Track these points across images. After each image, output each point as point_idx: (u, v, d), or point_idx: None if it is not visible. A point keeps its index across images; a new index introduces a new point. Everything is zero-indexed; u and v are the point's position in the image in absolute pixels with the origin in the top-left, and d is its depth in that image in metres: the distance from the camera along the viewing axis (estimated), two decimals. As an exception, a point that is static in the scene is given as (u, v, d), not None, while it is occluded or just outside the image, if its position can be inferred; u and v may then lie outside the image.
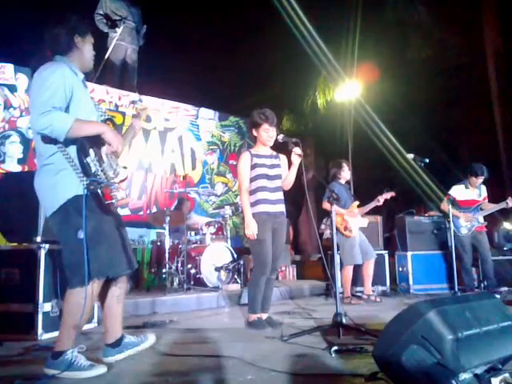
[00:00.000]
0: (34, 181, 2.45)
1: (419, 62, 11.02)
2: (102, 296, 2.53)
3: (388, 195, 5.50)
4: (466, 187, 5.96)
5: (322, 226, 7.96)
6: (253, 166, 3.73)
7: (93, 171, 2.33)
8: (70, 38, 2.50)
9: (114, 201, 2.43)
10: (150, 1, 9.45)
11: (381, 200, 5.48)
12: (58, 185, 2.36)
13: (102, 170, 2.37)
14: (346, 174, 5.66)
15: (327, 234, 7.52)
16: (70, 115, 2.33)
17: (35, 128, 2.31)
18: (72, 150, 2.36)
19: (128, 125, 2.89)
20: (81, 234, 2.30)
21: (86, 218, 2.31)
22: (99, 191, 2.37)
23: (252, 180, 3.72)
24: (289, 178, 3.79)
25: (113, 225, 2.49)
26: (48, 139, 2.35)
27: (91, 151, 2.35)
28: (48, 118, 2.23)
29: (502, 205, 5.76)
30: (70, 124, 2.26)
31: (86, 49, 2.57)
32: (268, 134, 3.73)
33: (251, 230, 3.59)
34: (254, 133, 3.81)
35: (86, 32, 2.57)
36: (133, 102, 3.06)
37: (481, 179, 5.87)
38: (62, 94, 2.32)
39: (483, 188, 6.02)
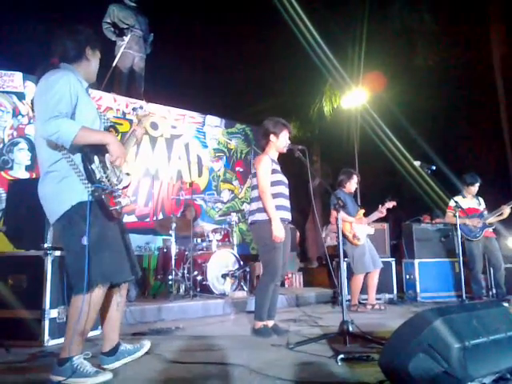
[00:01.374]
0: (38, 188, 2.45)
1: (426, 70, 11.02)
2: (102, 303, 2.54)
3: (390, 204, 5.49)
4: (464, 197, 6.05)
5: (323, 235, 7.93)
6: (272, 171, 3.74)
7: (97, 178, 2.34)
8: (82, 49, 2.54)
9: (117, 207, 2.44)
10: (157, 9, 9.54)
11: (384, 211, 5.47)
12: (63, 191, 2.37)
13: (106, 177, 2.39)
14: (352, 185, 5.62)
15: (328, 241, 7.49)
16: (77, 122, 2.35)
17: (43, 134, 2.32)
18: (77, 156, 2.38)
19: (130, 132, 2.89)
20: (84, 240, 2.31)
21: (91, 224, 2.31)
22: (104, 197, 2.38)
23: (272, 185, 3.71)
24: None
25: (117, 231, 2.50)
26: (53, 145, 2.36)
27: (96, 158, 2.37)
28: (55, 123, 2.25)
29: (498, 212, 5.83)
30: (76, 131, 2.27)
31: (93, 62, 2.61)
32: (287, 140, 3.80)
33: (280, 233, 3.55)
34: (273, 139, 3.80)
35: (96, 46, 2.62)
36: (134, 110, 3.08)
37: (477, 186, 6.01)
38: (67, 100, 2.34)
39: (481, 200, 6.12)
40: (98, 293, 2.37)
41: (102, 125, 2.58)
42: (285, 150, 3.82)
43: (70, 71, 2.46)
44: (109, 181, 2.40)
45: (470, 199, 6.03)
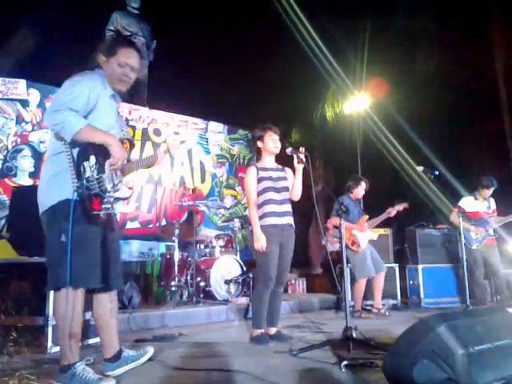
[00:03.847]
0: (41, 170, 2.53)
1: (428, 75, 11.02)
2: (95, 310, 2.54)
3: (400, 207, 5.47)
4: (476, 199, 5.91)
5: (323, 242, 7.91)
6: (259, 180, 3.75)
7: (86, 176, 2.35)
8: (96, 57, 2.60)
9: (102, 212, 2.39)
10: (159, 16, 9.59)
11: (392, 212, 5.45)
12: (54, 185, 2.40)
13: (97, 179, 2.38)
14: (359, 191, 5.61)
15: (329, 247, 7.48)
16: (84, 120, 2.38)
17: (48, 122, 2.39)
18: (75, 151, 2.40)
19: (144, 143, 2.94)
20: (63, 238, 2.30)
21: (73, 223, 2.29)
22: (87, 198, 2.35)
23: (259, 193, 3.73)
24: (295, 188, 3.78)
25: (98, 237, 2.45)
26: (59, 138, 2.40)
27: (92, 157, 2.39)
28: (62, 115, 2.30)
29: (505, 220, 5.73)
30: (80, 126, 2.31)
31: (109, 68, 2.58)
32: (273, 139, 3.80)
33: (260, 243, 3.58)
34: (260, 145, 3.86)
35: (111, 52, 2.58)
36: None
37: (491, 190, 5.85)
38: (83, 101, 2.39)
39: (492, 201, 5.98)
40: (72, 294, 2.31)
41: (117, 134, 2.61)
42: (277, 151, 3.83)
43: (99, 76, 2.53)
44: (99, 183, 2.39)
45: (481, 202, 5.90)
